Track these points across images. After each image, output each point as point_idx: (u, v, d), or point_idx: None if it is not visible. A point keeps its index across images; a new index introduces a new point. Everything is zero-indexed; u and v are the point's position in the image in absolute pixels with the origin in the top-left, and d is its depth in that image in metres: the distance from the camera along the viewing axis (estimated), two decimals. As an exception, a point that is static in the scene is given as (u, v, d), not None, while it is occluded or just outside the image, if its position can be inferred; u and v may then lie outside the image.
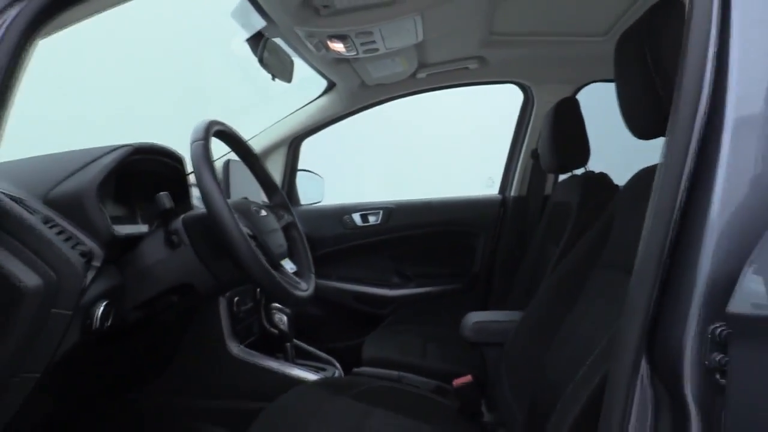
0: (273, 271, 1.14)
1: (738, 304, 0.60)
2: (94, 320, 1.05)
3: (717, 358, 0.63)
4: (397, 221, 2.53)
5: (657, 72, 0.86)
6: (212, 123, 1.22)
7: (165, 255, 1.17)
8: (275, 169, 2.52)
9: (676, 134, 0.67)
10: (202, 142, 1.13)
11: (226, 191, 1.96)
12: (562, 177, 2.17)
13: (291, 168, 2.57)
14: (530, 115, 2.42)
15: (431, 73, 2.22)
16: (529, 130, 2.44)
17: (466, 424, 1.40)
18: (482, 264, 2.50)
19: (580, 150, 1.75)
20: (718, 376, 0.63)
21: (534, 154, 2.38)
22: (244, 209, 1.26)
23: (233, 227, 1.09)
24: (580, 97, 2.34)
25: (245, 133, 1.49)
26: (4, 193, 1.01)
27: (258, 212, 1.30)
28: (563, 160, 1.78)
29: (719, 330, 0.63)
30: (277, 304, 1.80)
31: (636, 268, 0.71)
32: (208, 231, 1.16)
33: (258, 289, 1.80)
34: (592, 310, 1.16)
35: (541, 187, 2.40)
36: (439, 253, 2.54)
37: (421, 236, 2.53)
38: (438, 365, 1.75)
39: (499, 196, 2.53)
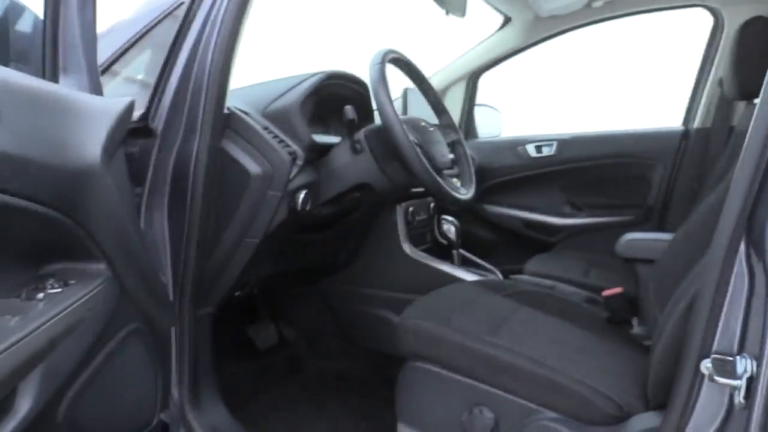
0: (434, 173, 1.37)
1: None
2: (297, 203, 1.39)
3: None
4: (570, 153, 2.59)
5: None
6: (388, 51, 1.46)
7: (349, 159, 1.47)
8: (455, 104, 2.73)
9: None
10: (379, 65, 1.39)
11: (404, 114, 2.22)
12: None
13: (470, 102, 2.76)
14: (719, 40, 2.30)
15: (608, 1, 2.22)
16: (717, 57, 2.32)
17: (613, 331, 1.50)
18: (658, 196, 2.48)
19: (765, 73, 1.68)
20: None
21: (721, 83, 2.28)
22: (413, 123, 1.50)
23: (401, 134, 1.33)
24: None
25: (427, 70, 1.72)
26: (237, 108, 1.38)
27: (426, 127, 1.53)
28: (747, 85, 1.73)
29: None
30: (447, 217, 2.05)
31: (739, 165, 0.81)
32: (384, 139, 1.42)
33: (431, 205, 2.05)
34: None
35: (727, 117, 2.29)
36: (613, 185, 2.57)
37: (595, 167, 2.57)
38: (593, 282, 1.86)
39: (681, 128, 2.46)
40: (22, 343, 0.69)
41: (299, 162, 1.40)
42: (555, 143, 2.61)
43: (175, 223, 1.27)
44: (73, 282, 0.85)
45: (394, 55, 1.48)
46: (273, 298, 2.06)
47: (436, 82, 2.69)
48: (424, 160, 1.37)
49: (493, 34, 2.51)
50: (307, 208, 1.42)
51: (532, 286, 1.79)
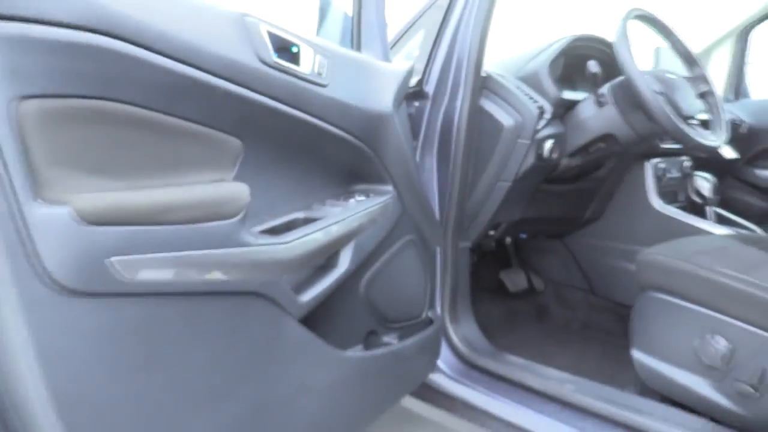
0: (676, 119, 1.44)
1: None
2: (544, 151, 1.58)
3: None
4: None
5: None
6: (633, 9, 1.56)
7: (594, 111, 1.61)
8: (722, 63, 2.58)
9: None
10: (622, 22, 1.50)
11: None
12: None
13: (740, 60, 2.58)
14: None
15: None
16: None
17: None
18: None
19: None
20: None
21: None
22: (658, 75, 1.57)
23: (641, 83, 1.43)
24: None
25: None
26: (494, 72, 1.63)
27: (671, 78, 1.59)
28: None
29: None
30: (702, 173, 2.01)
31: None
32: (627, 91, 1.52)
33: (684, 163, 2.04)
34: None
35: None
36: None
37: None
38: None
39: None
40: (342, 222, 1.04)
41: (547, 115, 1.59)
42: None
43: (442, 169, 1.57)
44: (371, 195, 1.19)
45: (638, 12, 1.57)
46: (524, 249, 2.27)
47: (698, 39, 2.59)
48: (667, 107, 1.45)
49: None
50: (554, 156, 1.60)
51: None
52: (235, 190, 0.86)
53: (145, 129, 0.76)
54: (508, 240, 2.21)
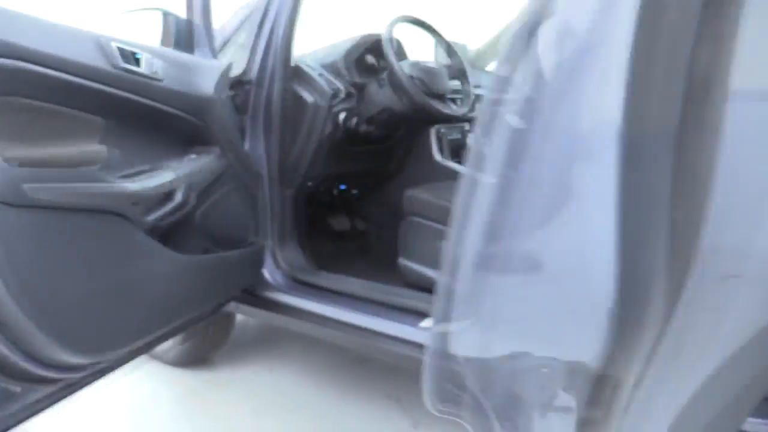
0: (425, 96, 2.07)
1: None
2: (339, 120, 2.16)
3: None
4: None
5: None
6: (401, 16, 2.17)
7: (376, 91, 2.21)
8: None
9: None
10: (389, 26, 2.11)
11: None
12: None
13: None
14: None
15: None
16: None
17: None
18: None
19: None
20: None
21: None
22: (417, 64, 2.20)
23: (399, 71, 2.05)
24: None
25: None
26: (301, 62, 2.18)
27: (430, 67, 2.22)
28: None
29: None
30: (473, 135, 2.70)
31: None
32: (394, 77, 2.13)
33: (464, 127, 2.71)
34: None
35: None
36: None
37: None
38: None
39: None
40: (177, 171, 1.56)
41: (341, 95, 2.17)
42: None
43: (267, 136, 2.10)
44: (202, 155, 1.72)
45: (405, 18, 2.18)
46: (348, 200, 2.87)
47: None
48: (415, 85, 2.08)
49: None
50: (348, 124, 2.19)
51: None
52: (97, 148, 1.36)
53: (41, 113, 1.24)
54: (336, 191, 2.80)
